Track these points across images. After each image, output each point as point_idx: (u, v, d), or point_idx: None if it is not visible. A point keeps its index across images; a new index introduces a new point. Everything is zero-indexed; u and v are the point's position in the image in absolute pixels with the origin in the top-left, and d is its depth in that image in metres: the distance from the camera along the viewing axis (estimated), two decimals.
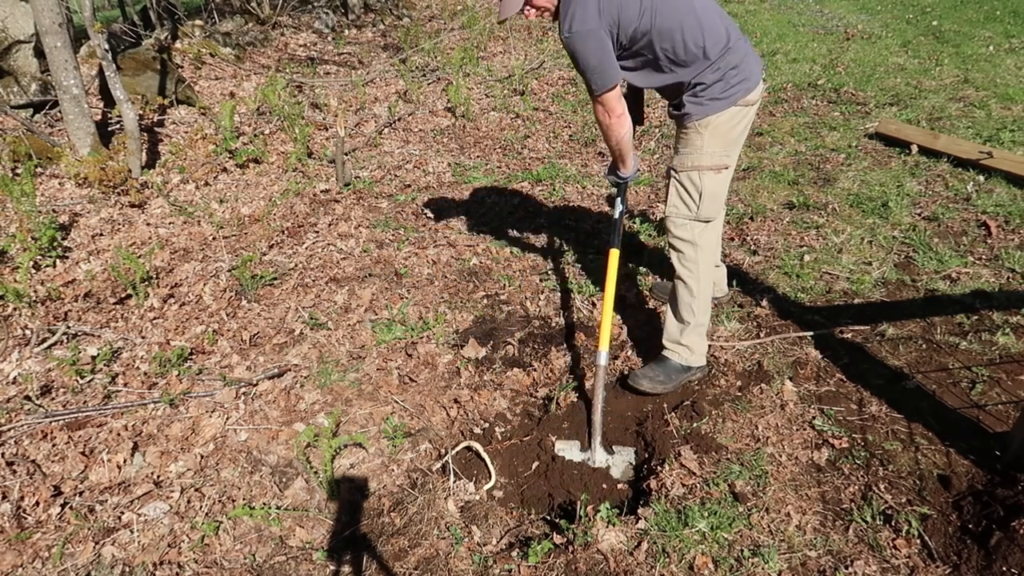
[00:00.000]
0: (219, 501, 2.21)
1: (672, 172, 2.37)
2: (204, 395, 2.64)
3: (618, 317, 3.01)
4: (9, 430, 2.46)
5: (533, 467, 2.39)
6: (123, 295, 3.25)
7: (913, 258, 3.23)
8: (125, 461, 2.35)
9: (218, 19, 7.45)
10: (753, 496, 2.06)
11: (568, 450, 2.38)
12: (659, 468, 2.21)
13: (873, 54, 6.50)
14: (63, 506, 2.18)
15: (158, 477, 2.30)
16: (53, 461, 2.35)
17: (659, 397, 2.54)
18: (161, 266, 3.50)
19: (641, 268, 3.36)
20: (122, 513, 2.16)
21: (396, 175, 4.61)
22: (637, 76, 2.30)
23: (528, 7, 2.25)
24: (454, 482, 2.28)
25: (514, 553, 2.01)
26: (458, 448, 2.40)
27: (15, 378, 2.72)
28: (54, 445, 2.41)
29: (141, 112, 4.96)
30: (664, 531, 1.96)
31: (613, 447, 2.39)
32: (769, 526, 1.97)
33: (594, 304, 3.14)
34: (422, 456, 2.38)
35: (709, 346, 2.66)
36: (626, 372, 2.70)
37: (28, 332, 2.95)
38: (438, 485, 2.26)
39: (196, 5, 7.82)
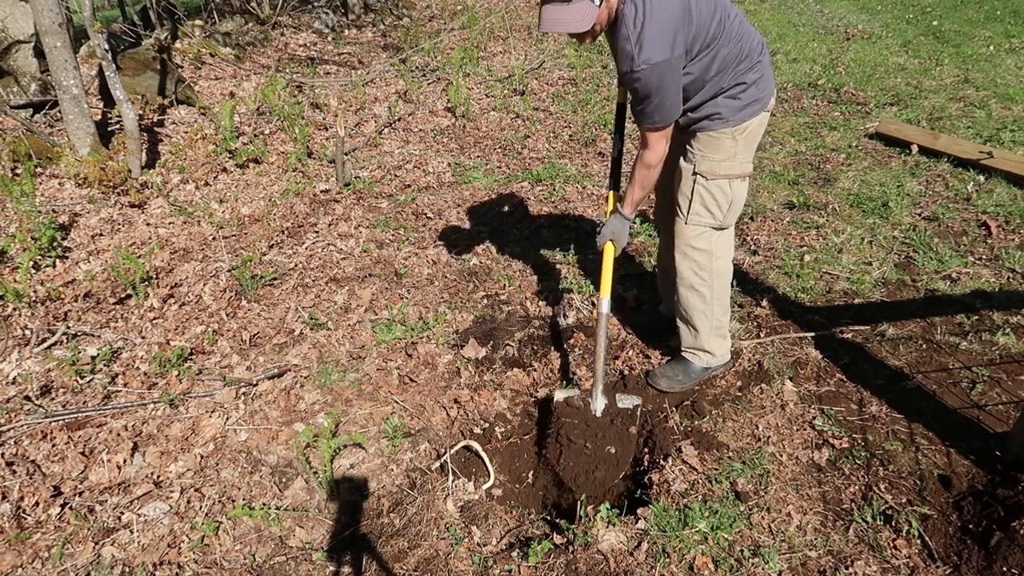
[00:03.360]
0: (219, 501, 2.21)
1: (700, 178, 2.19)
2: (204, 395, 2.64)
3: (617, 317, 3.01)
4: (9, 430, 2.46)
5: (533, 467, 2.39)
6: (123, 295, 3.25)
7: (913, 258, 3.23)
8: (125, 461, 2.35)
9: (218, 19, 7.45)
10: (755, 495, 2.06)
11: (567, 398, 2.32)
12: (661, 462, 2.21)
13: (873, 54, 6.50)
14: (63, 506, 2.18)
15: (158, 477, 2.30)
16: (53, 461, 2.35)
17: (660, 397, 2.54)
18: (161, 266, 3.50)
19: (638, 269, 3.36)
20: (122, 513, 2.16)
21: (396, 175, 4.61)
22: None
23: (592, 29, 1.94)
24: (453, 481, 2.28)
25: (514, 553, 2.01)
26: (456, 447, 2.40)
27: (15, 378, 2.72)
28: (54, 445, 2.41)
29: (141, 112, 4.96)
30: (664, 531, 1.96)
31: (617, 396, 2.35)
32: (770, 526, 1.96)
33: (594, 304, 3.13)
34: (422, 456, 2.38)
35: None
36: (625, 372, 2.70)
37: (28, 332, 2.95)
38: (437, 485, 2.26)
39: (196, 5, 7.82)
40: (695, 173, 2.21)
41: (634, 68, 1.87)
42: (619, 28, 1.90)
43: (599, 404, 2.29)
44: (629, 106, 2.10)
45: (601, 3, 1.86)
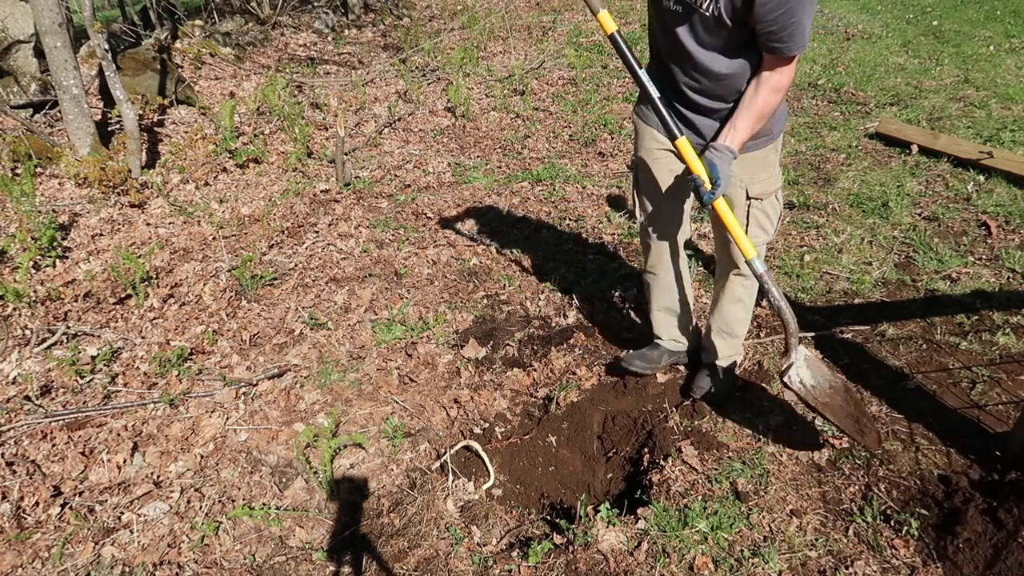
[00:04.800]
0: (219, 501, 2.21)
1: (755, 202, 2.07)
2: (204, 395, 2.64)
3: (617, 317, 3.01)
4: (9, 430, 2.46)
5: (532, 466, 2.39)
6: (123, 295, 3.25)
7: (913, 258, 3.23)
8: (125, 461, 2.35)
9: (218, 19, 7.45)
10: (755, 495, 2.06)
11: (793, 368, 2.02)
12: (661, 462, 2.21)
13: (873, 54, 6.50)
14: (63, 506, 2.18)
15: (158, 477, 2.30)
16: (53, 461, 2.35)
17: (660, 396, 2.54)
18: (161, 266, 3.50)
19: (636, 266, 3.36)
20: (122, 513, 2.16)
21: (396, 175, 4.61)
22: (743, 56, 1.80)
23: None
24: (453, 481, 2.28)
25: (514, 553, 2.01)
26: (456, 447, 2.40)
27: (15, 378, 2.72)
28: (54, 445, 2.41)
29: (141, 112, 4.96)
30: (664, 531, 1.96)
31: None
32: (770, 526, 1.97)
33: (594, 304, 3.13)
34: (422, 456, 2.38)
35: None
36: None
37: (28, 332, 2.95)
38: (437, 485, 2.26)
39: (196, 5, 7.83)
40: (749, 199, 2.08)
41: None
42: None
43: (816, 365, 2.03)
44: (763, 39, 1.71)
45: None
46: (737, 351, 2.48)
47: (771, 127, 1.96)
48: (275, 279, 3.37)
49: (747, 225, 2.11)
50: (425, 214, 4.06)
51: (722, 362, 2.46)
